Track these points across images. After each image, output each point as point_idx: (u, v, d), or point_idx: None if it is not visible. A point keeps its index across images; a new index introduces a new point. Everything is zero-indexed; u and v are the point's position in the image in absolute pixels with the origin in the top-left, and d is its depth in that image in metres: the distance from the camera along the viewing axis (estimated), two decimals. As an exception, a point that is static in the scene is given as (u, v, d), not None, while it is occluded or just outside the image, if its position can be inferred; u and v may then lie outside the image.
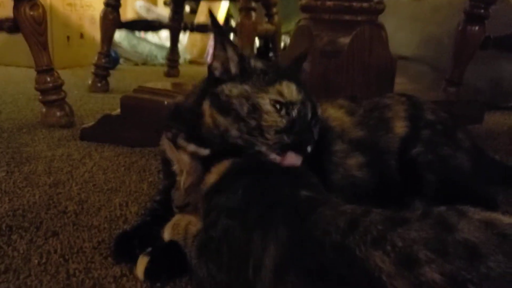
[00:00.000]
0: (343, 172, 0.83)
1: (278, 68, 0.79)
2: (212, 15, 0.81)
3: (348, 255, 0.48)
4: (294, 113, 0.71)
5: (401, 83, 1.50)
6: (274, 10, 2.62)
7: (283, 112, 0.70)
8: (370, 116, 0.88)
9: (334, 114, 0.88)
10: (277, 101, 0.70)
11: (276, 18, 2.63)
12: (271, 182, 0.65)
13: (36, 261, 0.72)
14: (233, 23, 3.45)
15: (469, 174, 0.85)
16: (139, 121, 1.28)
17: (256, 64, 0.76)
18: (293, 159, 0.70)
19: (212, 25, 0.79)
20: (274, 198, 0.61)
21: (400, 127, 0.86)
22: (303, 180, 0.67)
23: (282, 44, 3.02)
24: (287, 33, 3.11)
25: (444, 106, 1.31)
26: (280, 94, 0.71)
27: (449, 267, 0.43)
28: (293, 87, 0.73)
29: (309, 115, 0.73)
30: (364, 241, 0.48)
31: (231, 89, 0.72)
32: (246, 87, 0.72)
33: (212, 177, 0.69)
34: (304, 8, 1.27)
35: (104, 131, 1.34)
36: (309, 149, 0.71)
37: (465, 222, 0.47)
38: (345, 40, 1.17)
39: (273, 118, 0.70)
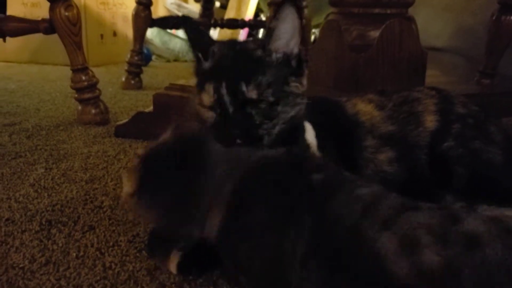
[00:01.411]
0: (373, 167, 0.83)
1: (218, 61, 0.80)
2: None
3: (360, 237, 0.51)
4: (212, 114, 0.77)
5: (433, 76, 1.48)
6: (304, 3, 2.61)
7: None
8: (400, 110, 0.87)
9: (364, 108, 0.88)
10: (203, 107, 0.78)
11: (306, 11, 2.62)
12: (279, 172, 0.65)
13: (74, 254, 0.75)
14: (263, 17, 3.45)
15: (501, 168, 0.84)
16: (171, 118, 1.30)
17: (208, 63, 0.80)
18: None
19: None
20: (290, 188, 0.61)
21: (430, 121, 0.85)
22: (311, 163, 0.67)
23: (312, 38, 3.00)
24: (317, 26, 3.09)
25: (478, 99, 1.29)
26: (204, 101, 0.77)
27: (447, 252, 0.46)
28: (210, 89, 0.76)
29: (230, 109, 0.75)
30: (375, 223, 0.51)
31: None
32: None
33: None
34: (333, 2, 1.27)
35: (138, 128, 1.37)
36: (238, 140, 0.73)
37: (473, 217, 0.50)
38: (374, 34, 1.17)
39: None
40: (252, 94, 0.75)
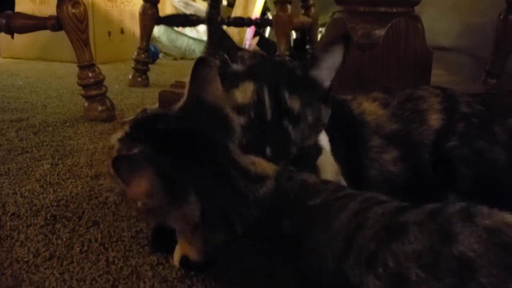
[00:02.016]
0: (379, 167, 0.83)
1: (253, 65, 0.76)
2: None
3: (344, 282, 0.47)
4: (246, 116, 0.71)
5: (439, 75, 1.47)
6: (311, 2, 2.61)
7: (240, 117, 0.71)
8: (404, 107, 0.87)
9: (369, 107, 0.88)
10: (233, 107, 0.70)
11: (312, 10, 2.62)
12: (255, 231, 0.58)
13: (78, 249, 0.76)
14: (269, 15, 3.45)
15: (506, 168, 0.84)
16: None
17: (238, 66, 0.75)
18: None
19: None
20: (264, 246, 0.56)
21: (434, 119, 0.85)
22: (281, 205, 0.58)
23: (319, 36, 3.00)
24: (324, 25, 3.08)
25: (484, 98, 1.29)
26: (235, 98, 0.71)
27: (438, 286, 0.42)
28: (249, 87, 0.71)
29: (269, 115, 0.71)
30: (358, 263, 0.47)
31: None
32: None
33: None
34: (339, 1, 1.27)
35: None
36: (268, 151, 0.68)
37: (468, 231, 0.45)
38: (380, 32, 1.17)
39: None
40: (294, 104, 0.72)
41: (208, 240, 0.56)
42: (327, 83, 0.77)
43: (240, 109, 0.71)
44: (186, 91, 0.61)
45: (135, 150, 0.53)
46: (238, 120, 0.69)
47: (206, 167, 0.55)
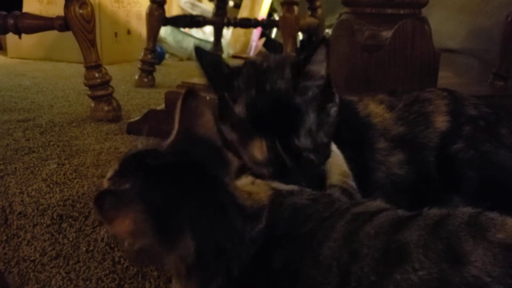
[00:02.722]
0: (385, 170, 0.83)
1: (254, 112, 0.73)
2: None
3: None
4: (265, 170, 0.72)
5: (446, 77, 1.47)
6: (317, 3, 2.61)
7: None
8: (410, 110, 0.87)
9: (375, 110, 0.87)
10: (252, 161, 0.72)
11: (319, 11, 2.62)
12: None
13: (84, 248, 0.76)
14: (276, 17, 3.45)
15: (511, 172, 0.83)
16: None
17: (239, 108, 0.73)
18: None
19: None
20: None
21: (440, 121, 0.85)
22: (273, 242, 0.54)
23: (325, 38, 2.99)
24: (331, 26, 3.08)
25: (491, 101, 1.28)
26: (252, 155, 0.72)
27: None
28: (263, 145, 0.71)
29: (290, 165, 0.71)
30: None
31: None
32: (233, 135, 0.73)
33: None
34: (346, 2, 1.27)
35: (149, 126, 1.38)
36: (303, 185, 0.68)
37: (481, 250, 0.40)
38: (387, 34, 1.16)
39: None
40: (307, 143, 0.72)
41: (204, 283, 0.51)
42: (322, 80, 0.75)
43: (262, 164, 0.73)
44: (175, 125, 0.58)
45: (125, 186, 0.49)
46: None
47: (201, 204, 0.51)
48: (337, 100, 0.77)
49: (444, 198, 0.83)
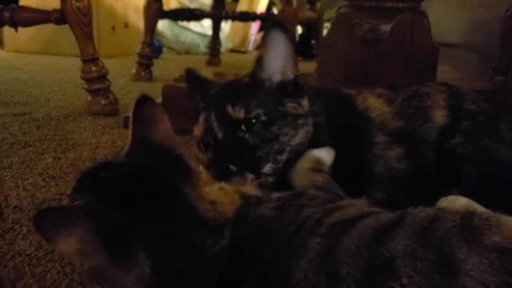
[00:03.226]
0: (383, 164, 0.82)
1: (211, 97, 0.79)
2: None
3: None
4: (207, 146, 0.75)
5: (445, 72, 1.46)
6: (316, -3, 2.60)
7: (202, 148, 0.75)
8: (409, 104, 0.86)
9: (374, 103, 0.87)
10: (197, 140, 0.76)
11: (318, 5, 2.61)
12: None
13: (80, 243, 0.75)
14: (275, 10, 3.44)
15: (511, 167, 0.83)
16: (179, 110, 1.30)
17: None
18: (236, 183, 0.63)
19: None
20: None
21: (439, 116, 0.84)
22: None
23: (324, 31, 2.99)
24: (330, 20, 3.07)
25: (491, 96, 1.28)
26: (194, 134, 0.76)
27: None
28: (201, 119, 0.75)
29: (220, 135, 0.73)
30: None
31: None
32: None
33: None
34: (345, -4, 1.26)
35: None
36: (232, 167, 0.68)
37: (477, 257, 0.36)
38: (386, 27, 1.16)
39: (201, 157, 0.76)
40: (239, 114, 0.72)
41: None
42: (290, 76, 0.76)
43: (203, 145, 0.75)
44: (130, 133, 0.54)
45: (75, 203, 0.46)
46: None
47: (156, 218, 0.46)
48: (303, 103, 0.77)
49: (443, 193, 0.82)
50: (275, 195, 0.53)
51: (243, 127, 0.72)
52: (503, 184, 0.82)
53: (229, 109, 0.72)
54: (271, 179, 0.73)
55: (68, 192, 0.50)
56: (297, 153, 0.75)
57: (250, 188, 0.56)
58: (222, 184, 0.54)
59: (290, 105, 0.75)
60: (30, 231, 0.79)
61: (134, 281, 0.45)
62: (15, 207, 0.87)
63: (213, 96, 0.79)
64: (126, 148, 0.53)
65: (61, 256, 0.71)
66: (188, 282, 0.46)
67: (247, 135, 0.72)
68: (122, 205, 0.46)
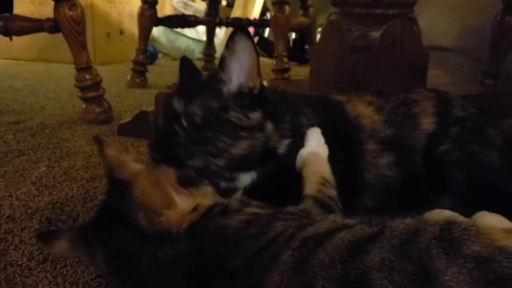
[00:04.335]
0: (375, 171, 0.83)
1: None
2: None
3: None
4: None
5: (437, 76, 1.47)
6: (309, 2, 2.61)
7: None
8: (397, 112, 0.87)
9: (364, 111, 0.87)
10: None
11: (311, 10, 2.62)
12: None
13: (71, 252, 0.76)
14: (269, 16, 3.45)
15: (499, 172, 0.84)
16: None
17: None
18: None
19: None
20: None
21: (427, 123, 0.85)
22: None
23: (318, 37, 3.00)
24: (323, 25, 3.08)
25: (481, 100, 1.29)
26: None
27: None
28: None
29: (160, 122, 0.76)
30: None
31: None
32: None
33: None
34: (335, 2, 1.27)
35: (140, 127, 1.38)
36: (153, 153, 0.74)
37: (455, 267, 0.37)
38: (375, 34, 1.16)
39: None
40: (179, 106, 0.73)
41: None
42: (250, 84, 0.74)
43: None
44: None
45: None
46: None
47: (120, 247, 0.54)
48: (252, 116, 0.74)
49: (432, 199, 0.83)
50: (251, 210, 0.53)
51: (182, 121, 0.73)
52: (491, 189, 0.83)
53: (175, 99, 0.74)
54: (205, 180, 0.73)
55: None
56: (245, 163, 0.74)
57: (214, 200, 0.58)
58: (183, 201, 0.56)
59: (233, 114, 0.73)
60: (22, 241, 0.79)
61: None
62: (8, 216, 0.88)
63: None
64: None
65: (52, 266, 0.71)
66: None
67: (179, 131, 0.73)
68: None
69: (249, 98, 0.74)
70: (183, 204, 0.54)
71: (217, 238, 0.48)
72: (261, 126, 0.74)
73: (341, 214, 0.63)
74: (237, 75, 0.74)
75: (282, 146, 0.77)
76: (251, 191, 0.75)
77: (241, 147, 0.73)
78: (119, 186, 0.56)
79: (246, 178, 0.76)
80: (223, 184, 0.76)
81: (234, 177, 0.76)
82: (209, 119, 0.72)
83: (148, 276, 0.49)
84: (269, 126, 0.75)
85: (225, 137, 0.72)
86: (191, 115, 0.72)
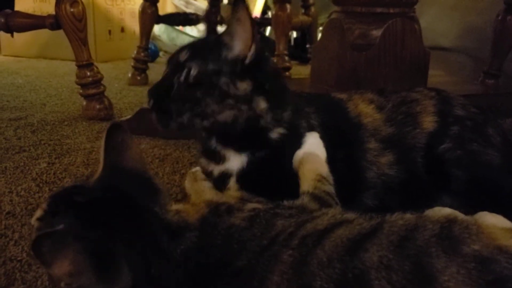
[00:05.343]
0: (376, 170, 0.83)
1: None
2: None
3: None
4: None
5: (438, 75, 1.47)
6: (311, 1, 2.61)
7: None
8: (398, 111, 0.87)
9: (365, 110, 0.87)
10: None
11: (312, 9, 2.62)
12: None
13: (71, 248, 0.76)
14: (270, 15, 3.45)
15: (500, 171, 0.84)
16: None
17: None
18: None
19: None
20: None
21: (428, 122, 0.85)
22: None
23: (319, 36, 3.00)
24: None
25: (482, 99, 1.29)
26: None
27: None
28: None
29: (164, 71, 0.78)
30: None
31: None
32: None
33: None
34: (336, 1, 1.27)
35: (140, 124, 1.38)
36: (150, 103, 0.76)
37: (455, 267, 0.36)
38: (376, 33, 1.17)
39: None
40: (181, 57, 0.75)
41: None
42: (237, 48, 0.74)
43: None
44: (101, 160, 0.57)
45: (60, 227, 0.47)
46: None
47: (132, 233, 0.49)
48: (241, 86, 0.74)
49: (433, 197, 0.83)
50: (251, 205, 0.54)
51: (183, 73, 0.74)
52: (491, 188, 0.83)
53: (184, 50, 0.76)
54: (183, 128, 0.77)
55: (38, 215, 0.52)
56: (232, 136, 0.77)
57: (221, 198, 0.58)
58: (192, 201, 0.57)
59: (223, 80, 0.74)
60: (22, 237, 0.79)
61: None
62: (8, 212, 0.88)
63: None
64: (97, 173, 0.56)
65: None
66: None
67: (175, 85, 0.75)
68: (101, 225, 0.48)
69: (240, 66, 0.75)
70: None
71: (225, 238, 0.49)
72: (248, 99, 0.75)
73: (340, 209, 0.63)
74: (239, 41, 0.75)
75: (275, 131, 0.78)
76: (243, 179, 0.76)
77: (225, 116, 0.74)
78: (130, 176, 0.55)
79: (236, 161, 0.77)
80: (216, 171, 0.79)
81: (224, 155, 0.78)
82: (202, 80, 0.74)
83: (153, 270, 0.48)
84: (262, 103, 0.76)
85: (212, 101, 0.73)
86: (188, 71, 0.74)
